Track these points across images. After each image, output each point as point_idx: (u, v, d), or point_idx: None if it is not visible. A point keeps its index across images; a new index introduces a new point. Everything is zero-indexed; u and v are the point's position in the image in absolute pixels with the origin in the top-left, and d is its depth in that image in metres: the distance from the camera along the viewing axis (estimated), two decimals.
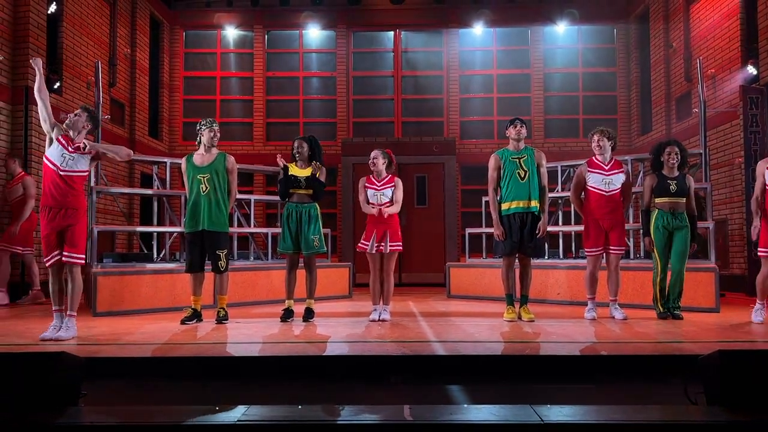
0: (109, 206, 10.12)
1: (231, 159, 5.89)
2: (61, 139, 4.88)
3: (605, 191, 5.91)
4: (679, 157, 5.91)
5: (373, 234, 5.86)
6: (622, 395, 3.57)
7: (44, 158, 4.92)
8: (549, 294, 7.54)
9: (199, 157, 5.83)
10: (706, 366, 2.99)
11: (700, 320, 5.72)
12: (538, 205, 5.74)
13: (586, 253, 6.08)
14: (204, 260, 5.82)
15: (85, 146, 4.87)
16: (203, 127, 5.84)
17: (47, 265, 4.90)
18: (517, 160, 5.77)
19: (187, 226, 5.79)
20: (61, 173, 4.81)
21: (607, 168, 5.95)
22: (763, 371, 2.83)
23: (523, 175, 5.72)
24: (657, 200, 5.91)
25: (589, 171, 5.99)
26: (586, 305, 6.03)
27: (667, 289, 5.91)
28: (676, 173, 5.93)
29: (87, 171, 4.99)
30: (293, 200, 5.95)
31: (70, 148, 4.86)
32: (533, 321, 5.65)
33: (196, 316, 5.77)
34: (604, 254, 6.01)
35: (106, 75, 10.84)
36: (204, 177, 5.73)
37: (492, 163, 5.90)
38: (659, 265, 5.89)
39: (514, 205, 5.72)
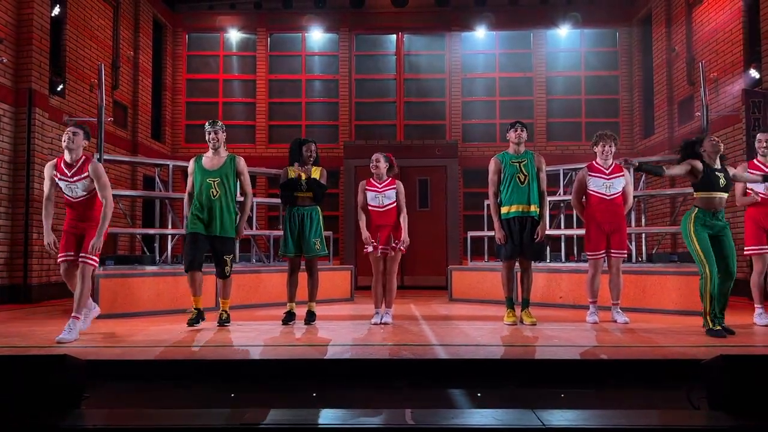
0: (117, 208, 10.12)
1: (241, 161, 5.80)
2: (57, 173, 4.95)
3: (606, 195, 5.89)
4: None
5: (377, 237, 5.86)
6: (624, 400, 3.56)
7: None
8: (551, 298, 7.53)
9: (208, 160, 5.73)
10: (708, 370, 2.98)
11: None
12: (537, 209, 5.73)
13: (587, 257, 6.07)
14: (203, 259, 5.70)
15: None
16: (205, 129, 5.78)
17: (59, 261, 5.02)
18: (518, 163, 5.76)
19: (191, 227, 5.58)
20: (73, 201, 4.97)
21: (607, 172, 5.94)
22: (766, 376, 2.82)
23: (523, 179, 5.71)
24: (700, 195, 5.13)
25: (589, 175, 5.98)
26: (588, 309, 6.02)
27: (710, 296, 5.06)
28: (718, 164, 5.19)
29: (94, 190, 4.99)
30: (295, 203, 5.94)
31: (69, 174, 4.94)
32: (535, 325, 5.64)
33: (200, 316, 5.63)
34: (606, 258, 6.00)
35: (109, 77, 10.88)
36: (214, 181, 5.62)
37: (492, 166, 5.89)
38: (707, 267, 4.98)
39: (513, 209, 5.71)
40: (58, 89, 9.49)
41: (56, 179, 4.96)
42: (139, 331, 5.43)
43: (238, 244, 7.84)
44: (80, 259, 4.89)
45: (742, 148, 8.93)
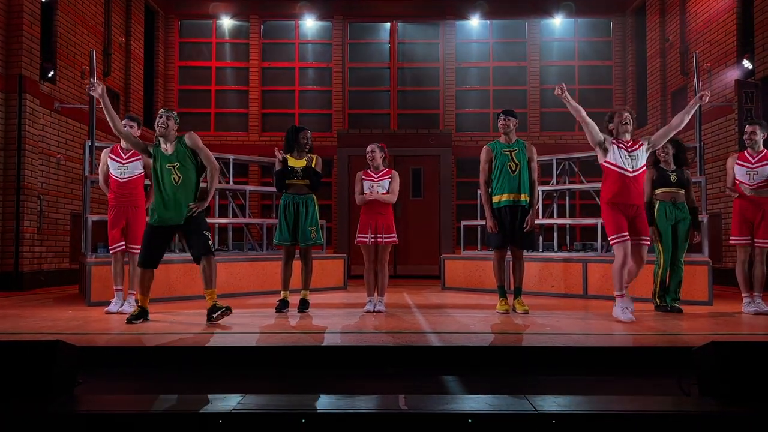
0: (103, 196, 10.05)
1: (190, 139, 5.06)
2: (113, 155, 5.86)
3: (629, 171, 5.19)
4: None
5: (368, 226, 5.86)
6: (616, 386, 3.59)
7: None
8: (543, 286, 7.57)
9: (164, 145, 5.11)
10: (699, 357, 3.01)
11: (694, 313, 5.76)
12: (528, 198, 5.71)
13: (611, 243, 5.29)
14: (162, 256, 5.30)
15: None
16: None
17: (112, 252, 5.85)
18: (509, 152, 5.75)
19: (157, 219, 5.04)
20: (121, 181, 5.79)
21: (629, 145, 5.29)
22: (756, 362, 2.85)
23: (514, 168, 5.70)
24: (658, 191, 5.94)
25: (613, 143, 5.28)
26: (614, 302, 5.30)
27: (666, 281, 5.94)
28: (673, 167, 6.00)
29: (142, 172, 5.87)
30: (290, 191, 5.92)
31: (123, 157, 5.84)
32: (527, 313, 5.67)
33: (143, 314, 5.09)
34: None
35: (100, 64, 10.79)
36: (173, 166, 5.01)
37: (483, 155, 5.87)
38: (662, 257, 5.89)
39: (504, 197, 5.70)
40: (49, 75, 9.40)
41: (109, 161, 5.81)
42: None
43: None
44: (132, 251, 5.77)
45: (734, 138, 8.98)
